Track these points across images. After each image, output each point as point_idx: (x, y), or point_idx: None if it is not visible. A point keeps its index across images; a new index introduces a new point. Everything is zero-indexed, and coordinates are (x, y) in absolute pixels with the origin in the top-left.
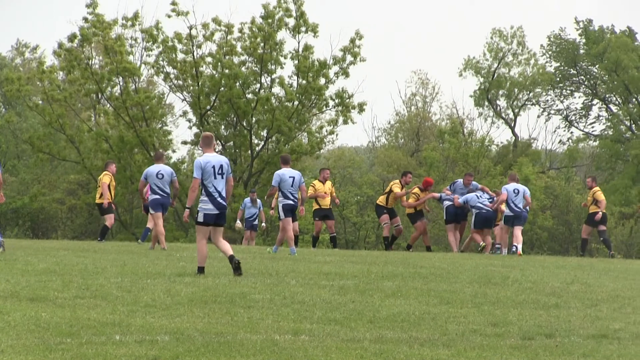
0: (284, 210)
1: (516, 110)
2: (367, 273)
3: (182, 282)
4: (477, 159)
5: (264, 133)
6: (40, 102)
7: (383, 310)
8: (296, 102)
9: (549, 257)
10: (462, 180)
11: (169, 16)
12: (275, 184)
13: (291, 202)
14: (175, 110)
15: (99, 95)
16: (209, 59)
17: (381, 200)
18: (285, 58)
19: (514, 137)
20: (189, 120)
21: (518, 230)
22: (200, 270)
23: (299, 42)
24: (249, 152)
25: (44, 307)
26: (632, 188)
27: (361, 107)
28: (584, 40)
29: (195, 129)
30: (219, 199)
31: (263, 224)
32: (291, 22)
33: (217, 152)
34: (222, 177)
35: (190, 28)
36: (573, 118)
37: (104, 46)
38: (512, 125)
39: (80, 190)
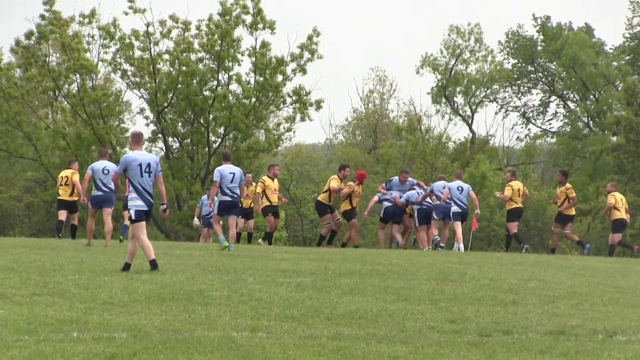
0: (219, 207)
1: (473, 107)
2: (325, 270)
3: (139, 280)
4: (435, 156)
5: (222, 130)
6: None
7: (340, 307)
8: (253, 99)
9: (506, 254)
10: (398, 177)
11: (126, 13)
12: (216, 179)
13: (229, 198)
14: (133, 108)
15: (56, 93)
16: (166, 56)
17: (323, 197)
18: (242, 55)
19: (471, 134)
20: (146, 118)
21: (459, 227)
22: (153, 264)
23: (256, 39)
24: (207, 149)
25: (1, 304)
26: (589, 185)
27: (318, 104)
28: (541, 37)
29: (152, 126)
30: (147, 195)
31: (195, 220)
32: (248, 19)
33: (178, 149)
34: (150, 176)
35: (148, 25)
36: (531, 115)
37: (61, 43)
38: (470, 122)
39: (37, 187)
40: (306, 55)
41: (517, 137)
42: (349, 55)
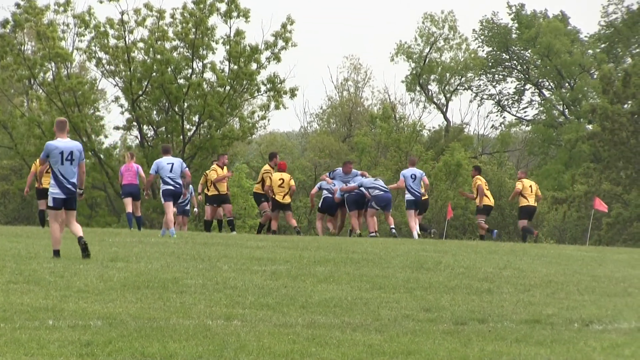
0: (164, 195)
1: (448, 95)
2: (299, 258)
3: (114, 268)
4: (409, 144)
5: (196, 118)
6: None
7: (315, 295)
8: (228, 88)
9: (481, 243)
10: (342, 168)
11: (101, 1)
12: (152, 172)
13: (171, 187)
14: (108, 96)
15: (32, 81)
16: (140, 45)
17: (258, 188)
18: (216, 43)
19: (445, 122)
20: (121, 106)
21: (417, 216)
22: (56, 253)
23: (230, 28)
24: (181, 137)
25: None
26: (564, 173)
27: (293, 92)
28: (516, 25)
29: (127, 114)
30: (66, 184)
31: (195, 210)
32: (222, 7)
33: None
34: (71, 163)
35: (122, 13)
36: (506, 103)
37: (36, 32)
38: (444, 110)
39: (13, 175)
40: (280, 43)
41: (492, 125)
42: (324, 43)
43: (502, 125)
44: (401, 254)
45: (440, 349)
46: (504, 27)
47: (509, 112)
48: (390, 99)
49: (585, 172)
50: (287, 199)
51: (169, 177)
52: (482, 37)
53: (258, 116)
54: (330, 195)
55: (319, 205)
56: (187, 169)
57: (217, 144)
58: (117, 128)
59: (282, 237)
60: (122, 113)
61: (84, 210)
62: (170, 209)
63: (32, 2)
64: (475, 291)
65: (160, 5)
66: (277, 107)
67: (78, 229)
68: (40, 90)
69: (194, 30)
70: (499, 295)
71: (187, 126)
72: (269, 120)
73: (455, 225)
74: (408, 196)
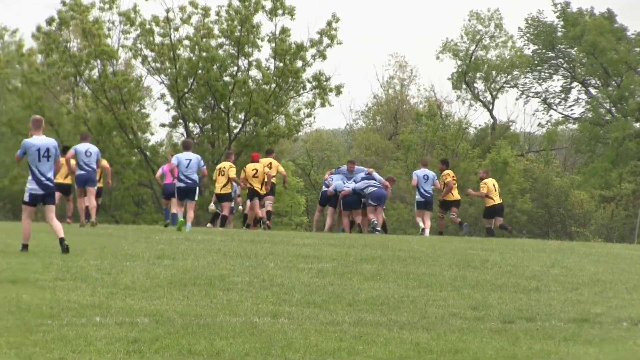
0: (177, 191)
1: (494, 93)
2: (346, 256)
3: (161, 265)
4: (455, 142)
5: (242, 116)
6: (19, 85)
7: (362, 293)
8: (273, 85)
9: (528, 241)
10: (345, 166)
11: None
12: (174, 162)
13: (183, 184)
14: (153, 93)
15: (77, 78)
16: (186, 42)
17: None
18: (262, 41)
19: (492, 120)
20: (167, 103)
21: (427, 216)
22: (24, 247)
23: (275, 25)
24: (227, 134)
25: (25, 289)
26: (611, 171)
27: (338, 90)
28: (562, 23)
29: (173, 112)
30: (44, 180)
31: (240, 207)
32: (268, 4)
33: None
34: (48, 160)
35: (168, 11)
36: (552, 101)
37: (82, 29)
38: (490, 108)
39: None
40: (326, 41)
41: (539, 124)
42: (369, 41)
43: (549, 123)
44: (448, 252)
45: (488, 347)
46: (550, 25)
47: (555, 110)
48: (436, 97)
49: (632, 170)
50: (264, 190)
51: (184, 174)
52: (528, 35)
53: (304, 113)
54: (331, 190)
55: (319, 198)
56: (204, 166)
57: (262, 142)
58: (162, 125)
59: (328, 234)
60: (168, 110)
61: (130, 207)
62: (175, 204)
63: (77, 0)
64: (523, 289)
65: (205, 2)
66: (322, 105)
67: (59, 228)
68: (86, 88)
69: (239, 27)
70: (547, 294)
71: (233, 123)
72: (314, 117)
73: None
74: (418, 197)
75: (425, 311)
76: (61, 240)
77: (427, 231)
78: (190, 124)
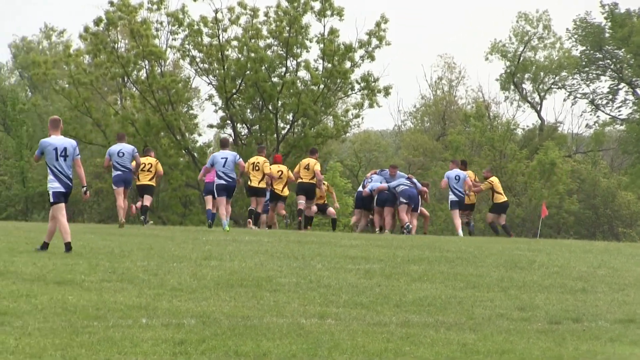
0: (217, 189)
1: (542, 94)
2: (393, 257)
3: (208, 266)
4: (503, 143)
5: (290, 117)
6: (66, 85)
7: (409, 294)
8: (322, 86)
9: (575, 241)
10: (388, 170)
11: (195, 0)
12: (207, 165)
13: (223, 182)
14: (201, 94)
15: (125, 79)
16: (234, 43)
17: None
18: (310, 42)
19: (540, 121)
20: (215, 104)
21: (457, 216)
22: (67, 247)
23: (324, 26)
24: (275, 135)
25: (71, 290)
26: None
27: (387, 91)
28: (609, 24)
29: (221, 113)
30: (64, 178)
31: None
32: (317, 5)
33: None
34: (65, 160)
35: (216, 12)
36: (599, 102)
37: (129, 30)
38: (538, 109)
39: (106, 173)
40: (374, 41)
41: (586, 125)
42: (418, 41)
43: (596, 124)
44: (495, 253)
45: (535, 348)
46: (598, 26)
47: (603, 111)
48: (484, 98)
49: None
50: (285, 192)
51: (222, 172)
52: (576, 36)
53: (352, 114)
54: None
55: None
56: (240, 160)
57: (310, 142)
58: (210, 126)
59: (374, 235)
60: (216, 111)
61: (177, 208)
62: (223, 203)
63: (125, 0)
64: (570, 290)
65: (254, 3)
66: (371, 106)
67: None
68: (134, 88)
69: (288, 28)
70: (593, 295)
71: (281, 124)
72: (362, 118)
73: (549, 224)
74: (452, 197)
75: (472, 312)
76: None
77: (460, 231)
78: (238, 125)
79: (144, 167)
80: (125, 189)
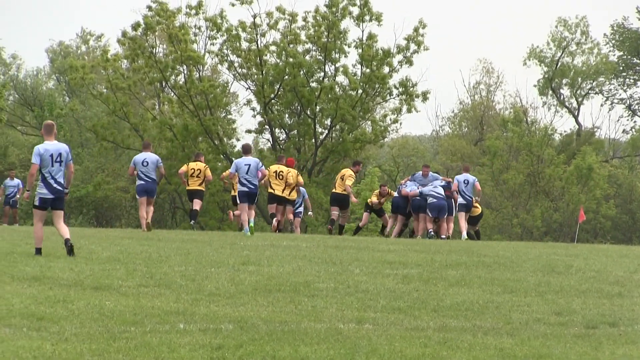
0: (239, 196)
1: (580, 99)
2: (431, 262)
3: (246, 271)
4: (541, 148)
5: (328, 122)
6: (104, 90)
7: (447, 299)
8: (360, 91)
9: (612, 246)
10: (420, 172)
11: (233, 5)
12: (232, 171)
13: (246, 189)
14: (239, 99)
15: (163, 84)
16: (273, 48)
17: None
18: (349, 47)
19: (577, 126)
20: (253, 109)
21: (463, 218)
22: (38, 251)
23: (362, 31)
24: (313, 140)
25: (108, 295)
26: None
27: (425, 96)
28: None
29: (259, 118)
30: (54, 184)
31: (310, 213)
32: (355, 10)
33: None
34: (60, 165)
35: (254, 17)
36: (636, 107)
37: (167, 35)
38: (576, 114)
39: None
40: (412, 46)
41: (623, 130)
42: (456, 46)
43: (633, 130)
44: (532, 258)
45: (571, 352)
46: (635, 31)
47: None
48: (521, 103)
49: None
50: (291, 196)
51: (245, 179)
52: (614, 41)
53: (390, 119)
54: (397, 196)
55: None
56: (262, 167)
57: (349, 147)
58: (249, 131)
59: (413, 240)
60: (254, 116)
61: (215, 213)
62: (245, 209)
63: (163, 5)
64: (606, 295)
65: (292, 8)
66: (409, 111)
67: (65, 231)
68: (172, 93)
69: (326, 33)
70: (630, 299)
71: (319, 129)
72: (401, 123)
73: (586, 229)
74: (460, 200)
75: (510, 317)
76: (66, 240)
77: (465, 233)
78: (277, 130)
79: (193, 172)
80: (149, 198)
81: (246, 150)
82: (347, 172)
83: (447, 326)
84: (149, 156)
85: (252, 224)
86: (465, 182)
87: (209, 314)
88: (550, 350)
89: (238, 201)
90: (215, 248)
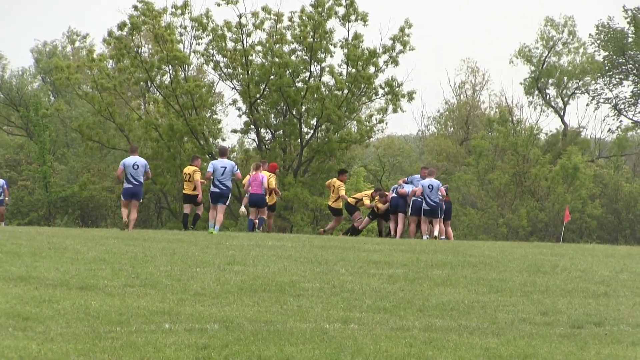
0: (211, 196)
1: (565, 99)
2: (417, 262)
3: (231, 271)
4: (526, 148)
5: (314, 122)
6: (89, 90)
7: (432, 298)
8: (346, 91)
9: (598, 246)
10: (418, 175)
11: (219, 4)
12: (210, 170)
13: (218, 190)
14: (225, 99)
15: (149, 84)
16: (258, 48)
17: (351, 200)
18: (335, 47)
19: (563, 126)
20: (239, 109)
21: (436, 222)
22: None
23: (348, 31)
24: (299, 140)
25: (94, 295)
26: None
27: (410, 96)
28: (632, 29)
29: (244, 118)
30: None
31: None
32: (341, 10)
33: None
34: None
35: (240, 16)
36: (622, 106)
37: (153, 35)
38: (562, 113)
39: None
40: (398, 47)
41: (609, 129)
42: (441, 46)
43: (619, 129)
44: (518, 258)
45: (557, 352)
46: (620, 31)
47: (626, 116)
48: (507, 102)
49: None
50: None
51: (219, 180)
52: (599, 41)
53: (376, 119)
54: (395, 196)
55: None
56: (238, 171)
57: (334, 147)
58: (234, 131)
59: (398, 240)
60: (240, 116)
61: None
62: (217, 209)
63: (149, 4)
64: (592, 294)
65: (278, 8)
66: (394, 111)
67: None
68: (158, 93)
69: (312, 33)
70: (616, 299)
71: (305, 129)
72: (386, 123)
73: (572, 229)
74: (424, 205)
75: (495, 317)
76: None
77: (427, 236)
78: (262, 130)
79: (185, 176)
80: (135, 201)
81: (222, 152)
82: (337, 182)
83: (433, 326)
84: (139, 160)
85: (214, 231)
86: (430, 187)
87: (195, 313)
88: (535, 350)
89: (211, 202)
90: (201, 248)
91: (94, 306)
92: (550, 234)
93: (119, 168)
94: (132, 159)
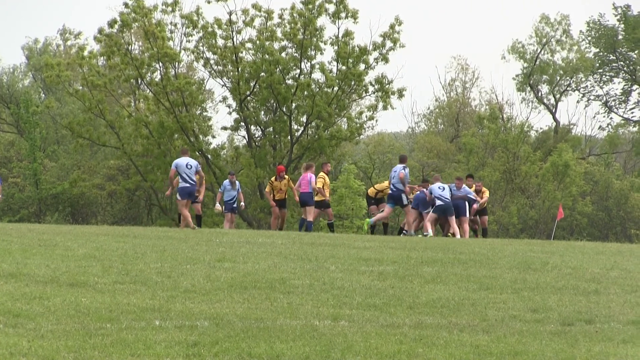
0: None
1: (557, 96)
2: (407, 259)
3: (221, 268)
4: (516, 145)
5: (304, 119)
6: (80, 87)
7: (422, 295)
8: (336, 88)
9: (588, 243)
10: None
11: (209, 2)
12: (174, 168)
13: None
14: (215, 96)
15: (139, 81)
16: (249, 45)
17: (371, 191)
18: (325, 44)
19: (554, 123)
20: (229, 106)
21: (452, 220)
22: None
23: (338, 28)
24: (289, 137)
25: (84, 292)
26: None
27: (401, 93)
28: (622, 26)
29: (234, 115)
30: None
31: (242, 204)
32: (331, 7)
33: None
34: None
35: (230, 14)
36: (613, 104)
37: (144, 32)
38: (554, 110)
39: (120, 175)
40: (388, 44)
41: (600, 126)
42: (431, 43)
43: (610, 126)
44: (508, 255)
45: (547, 349)
46: (611, 28)
47: (616, 113)
48: (497, 100)
49: None
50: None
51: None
52: (590, 38)
53: (366, 117)
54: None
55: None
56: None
57: (324, 145)
58: (224, 128)
59: (389, 237)
60: (230, 113)
61: (192, 210)
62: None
63: (140, 2)
64: (582, 292)
65: (268, 5)
66: (384, 108)
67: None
68: (148, 90)
69: (302, 30)
70: (606, 296)
71: (295, 126)
72: (376, 120)
73: (562, 226)
74: (438, 202)
75: (485, 314)
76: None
77: (412, 231)
78: (252, 127)
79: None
80: (190, 200)
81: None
82: (321, 175)
83: (423, 323)
84: (191, 160)
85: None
86: (440, 188)
87: (185, 310)
88: (526, 347)
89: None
90: (191, 245)
91: (84, 303)
92: (541, 231)
93: (172, 170)
94: (184, 160)
